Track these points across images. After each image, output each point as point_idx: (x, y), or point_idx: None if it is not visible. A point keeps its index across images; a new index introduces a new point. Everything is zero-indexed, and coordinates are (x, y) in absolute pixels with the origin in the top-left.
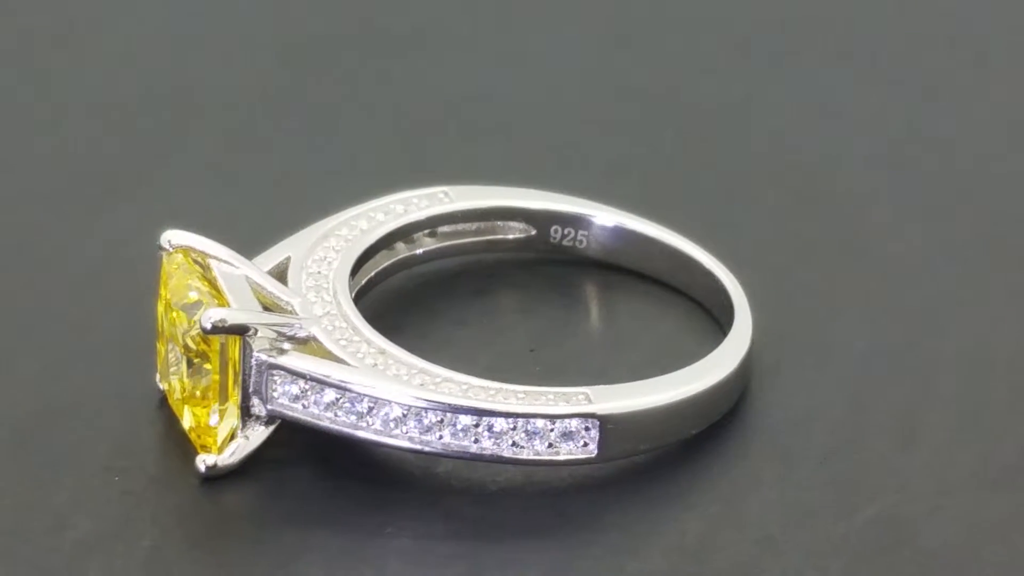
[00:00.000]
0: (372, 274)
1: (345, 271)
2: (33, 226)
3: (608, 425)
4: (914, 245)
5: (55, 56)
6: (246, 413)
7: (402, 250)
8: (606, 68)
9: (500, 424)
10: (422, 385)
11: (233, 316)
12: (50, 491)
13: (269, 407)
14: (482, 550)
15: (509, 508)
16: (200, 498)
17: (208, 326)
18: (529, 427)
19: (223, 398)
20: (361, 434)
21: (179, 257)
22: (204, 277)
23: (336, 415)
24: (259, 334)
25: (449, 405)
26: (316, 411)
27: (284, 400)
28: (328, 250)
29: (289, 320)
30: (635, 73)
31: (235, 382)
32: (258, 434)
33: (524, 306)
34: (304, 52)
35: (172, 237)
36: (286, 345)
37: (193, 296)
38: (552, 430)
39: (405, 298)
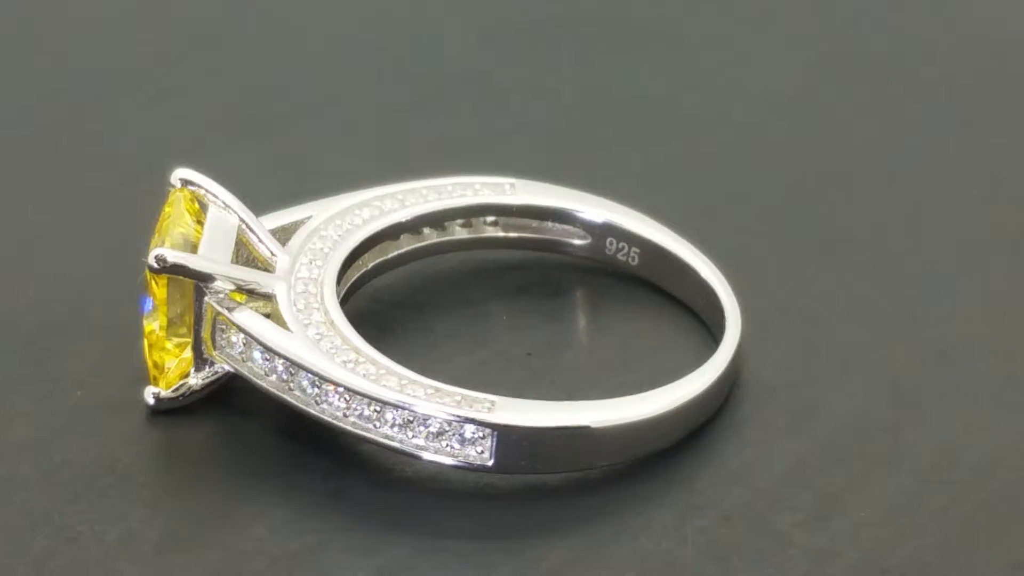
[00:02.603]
0: (395, 253)
1: (352, 243)
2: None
3: (504, 436)
4: (915, 255)
5: None
6: (199, 356)
7: (432, 236)
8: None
9: (396, 415)
10: (343, 364)
11: (176, 257)
12: (13, 389)
13: (217, 354)
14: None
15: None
16: (144, 428)
17: (151, 262)
18: (429, 424)
19: (171, 336)
20: (287, 398)
21: (183, 196)
22: (199, 220)
23: (267, 376)
24: (219, 283)
25: (349, 388)
26: (252, 367)
27: (229, 351)
28: (356, 218)
29: (243, 276)
30: None
31: (190, 325)
32: (209, 378)
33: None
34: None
35: (180, 174)
36: (249, 299)
37: (178, 235)
38: (449, 431)
39: (433, 283)
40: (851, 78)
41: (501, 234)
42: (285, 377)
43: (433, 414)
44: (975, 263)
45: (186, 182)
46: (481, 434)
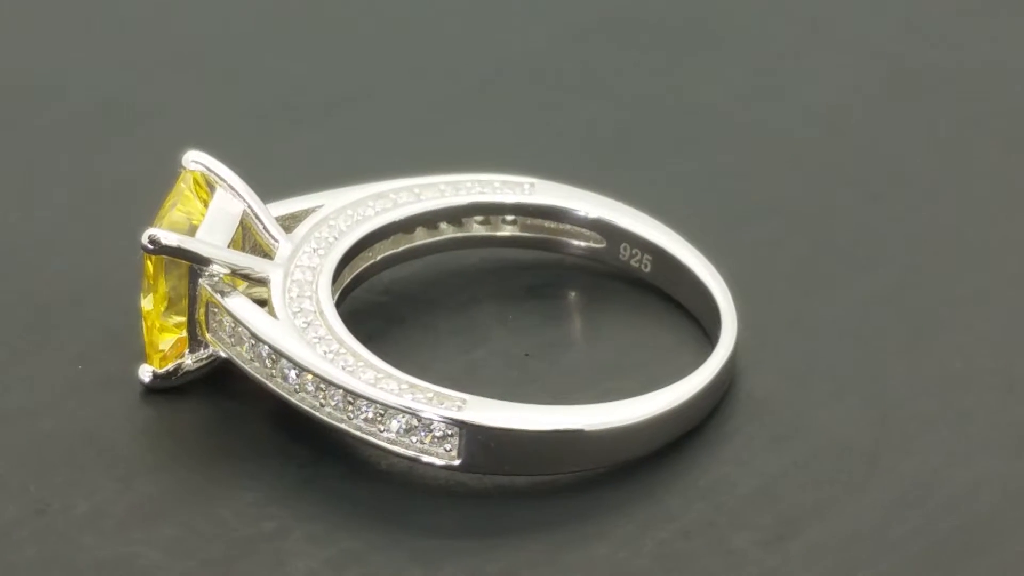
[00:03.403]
0: (406, 247)
1: (359, 234)
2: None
3: (471, 435)
4: (933, 282)
5: None
6: (193, 338)
7: (449, 231)
8: None
9: (369, 409)
10: (324, 353)
11: (168, 238)
12: (18, 358)
13: (210, 337)
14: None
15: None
16: (136, 406)
17: (144, 241)
18: (400, 419)
19: (167, 316)
20: (271, 385)
21: (192, 177)
22: (207, 203)
23: (252, 361)
24: (216, 267)
25: (325, 378)
26: (240, 351)
27: (221, 334)
28: (368, 209)
29: (238, 261)
30: None
31: (185, 306)
32: (203, 360)
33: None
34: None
35: (192, 156)
36: (250, 285)
37: (178, 216)
38: (419, 427)
39: (447, 279)
40: (895, 93)
41: (517, 233)
42: (268, 364)
43: (403, 409)
44: (987, 293)
45: (197, 164)
46: (450, 432)
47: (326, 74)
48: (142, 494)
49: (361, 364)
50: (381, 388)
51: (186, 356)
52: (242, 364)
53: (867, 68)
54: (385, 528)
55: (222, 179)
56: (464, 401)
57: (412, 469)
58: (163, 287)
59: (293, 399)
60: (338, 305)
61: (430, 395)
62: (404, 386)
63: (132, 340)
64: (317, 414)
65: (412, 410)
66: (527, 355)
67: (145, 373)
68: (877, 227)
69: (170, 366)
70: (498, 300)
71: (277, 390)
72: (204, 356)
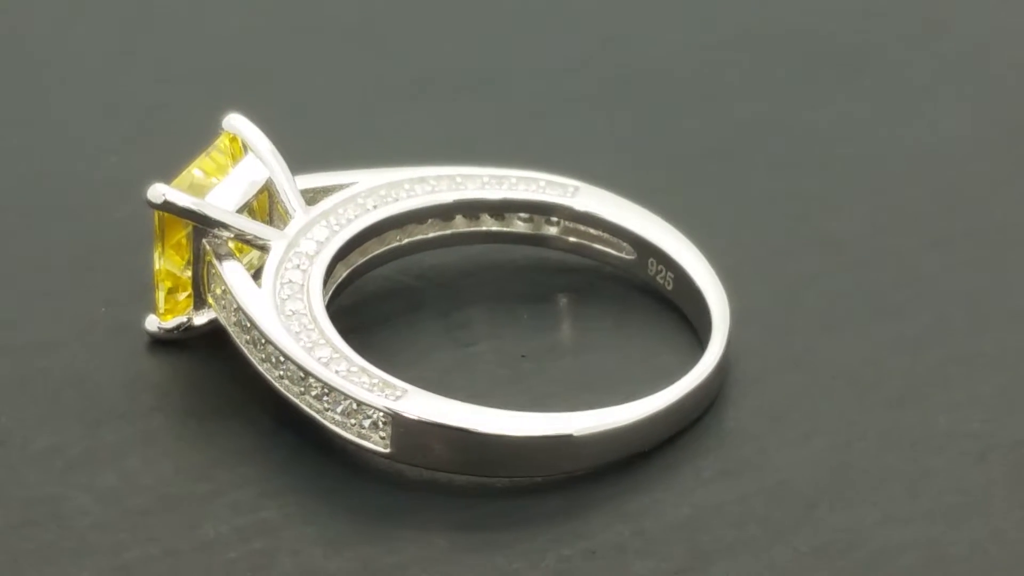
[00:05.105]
0: (435, 235)
1: (379, 216)
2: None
3: (399, 425)
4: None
5: None
6: (198, 296)
7: (488, 223)
8: None
9: (317, 386)
10: (288, 327)
11: (173, 196)
12: (48, 295)
13: (210, 296)
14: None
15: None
16: (138, 355)
17: (148, 196)
18: (342, 401)
19: (175, 271)
20: (245, 350)
21: (228, 140)
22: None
23: (232, 325)
24: (223, 230)
25: (283, 352)
26: (227, 315)
27: (218, 295)
28: (401, 191)
29: (242, 226)
30: None
31: (187, 264)
32: (207, 317)
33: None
34: None
35: (230, 119)
36: (250, 250)
37: (197, 174)
38: (358, 411)
39: (482, 271)
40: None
41: (555, 234)
42: (243, 330)
43: (342, 391)
44: (1002, 359)
45: (231, 126)
46: (384, 420)
47: (460, 56)
48: (102, 441)
49: (323, 343)
50: (329, 368)
51: (191, 312)
52: (227, 327)
53: (982, 112)
54: (308, 505)
55: (251, 144)
56: (405, 392)
57: (358, 452)
58: (172, 242)
59: (261, 368)
60: (347, 284)
61: (375, 381)
62: (354, 369)
63: None
64: (277, 385)
65: (348, 393)
66: (523, 356)
67: (151, 324)
68: (924, 276)
69: (175, 320)
70: (523, 299)
71: (249, 357)
72: (209, 314)
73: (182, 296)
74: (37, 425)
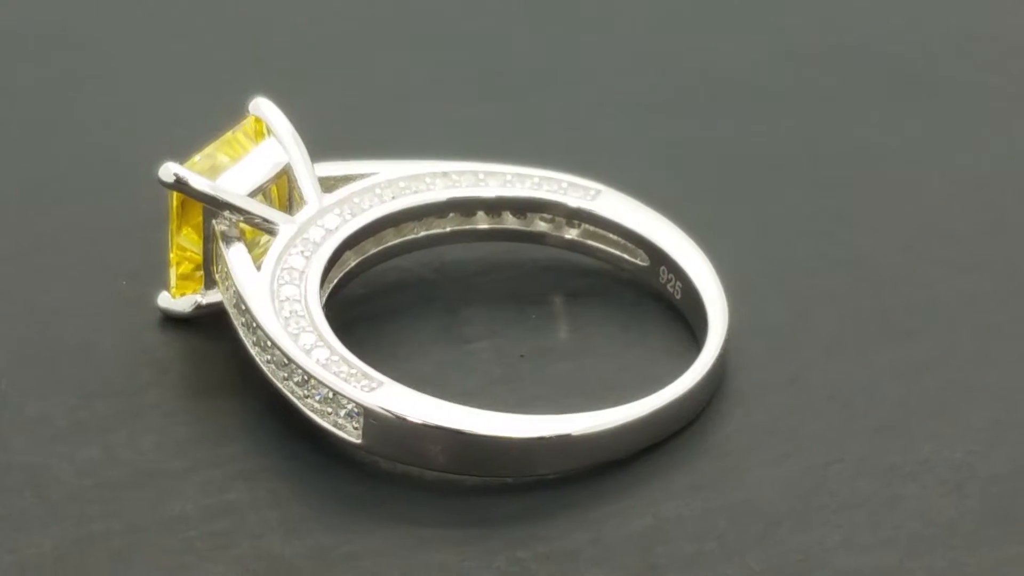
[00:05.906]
0: (451, 229)
1: (394, 207)
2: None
3: (370, 418)
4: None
5: None
6: (208, 275)
7: (509, 221)
8: None
9: (297, 373)
10: (278, 312)
11: (185, 175)
12: (76, 265)
13: (217, 276)
14: None
15: None
16: (147, 329)
17: (160, 175)
18: (319, 389)
19: (185, 251)
20: (239, 333)
21: (252, 123)
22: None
23: (232, 307)
24: (232, 213)
25: (270, 336)
26: (227, 296)
27: (223, 275)
28: (420, 184)
29: (250, 209)
30: None
31: (199, 243)
32: (215, 297)
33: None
34: None
35: (257, 103)
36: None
37: (214, 155)
38: (333, 400)
39: (499, 269)
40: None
41: (574, 237)
42: (238, 312)
43: (318, 379)
44: (1006, 390)
45: (256, 110)
46: (357, 411)
47: (532, 51)
48: (94, 412)
49: (310, 330)
50: (311, 356)
51: (201, 291)
52: (228, 307)
53: None
54: (279, 490)
55: (273, 127)
56: (380, 384)
57: (336, 441)
58: (193, 221)
59: (252, 351)
60: (357, 273)
61: (353, 372)
62: (335, 358)
63: None
64: (265, 369)
65: (324, 382)
66: (522, 356)
67: (163, 300)
68: (941, 302)
69: (186, 298)
70: (534, 299)
71: (244, 339)
72: (216, 294)
73: (195, 274)
74: (33, 391)
